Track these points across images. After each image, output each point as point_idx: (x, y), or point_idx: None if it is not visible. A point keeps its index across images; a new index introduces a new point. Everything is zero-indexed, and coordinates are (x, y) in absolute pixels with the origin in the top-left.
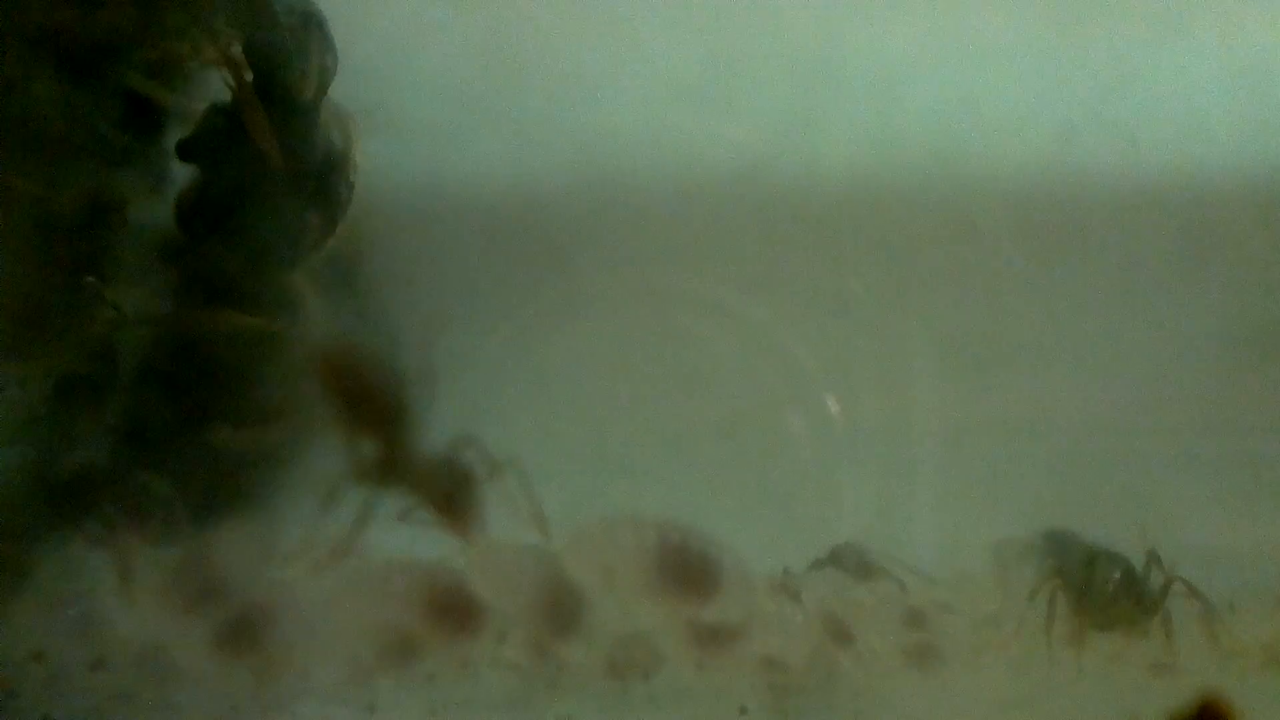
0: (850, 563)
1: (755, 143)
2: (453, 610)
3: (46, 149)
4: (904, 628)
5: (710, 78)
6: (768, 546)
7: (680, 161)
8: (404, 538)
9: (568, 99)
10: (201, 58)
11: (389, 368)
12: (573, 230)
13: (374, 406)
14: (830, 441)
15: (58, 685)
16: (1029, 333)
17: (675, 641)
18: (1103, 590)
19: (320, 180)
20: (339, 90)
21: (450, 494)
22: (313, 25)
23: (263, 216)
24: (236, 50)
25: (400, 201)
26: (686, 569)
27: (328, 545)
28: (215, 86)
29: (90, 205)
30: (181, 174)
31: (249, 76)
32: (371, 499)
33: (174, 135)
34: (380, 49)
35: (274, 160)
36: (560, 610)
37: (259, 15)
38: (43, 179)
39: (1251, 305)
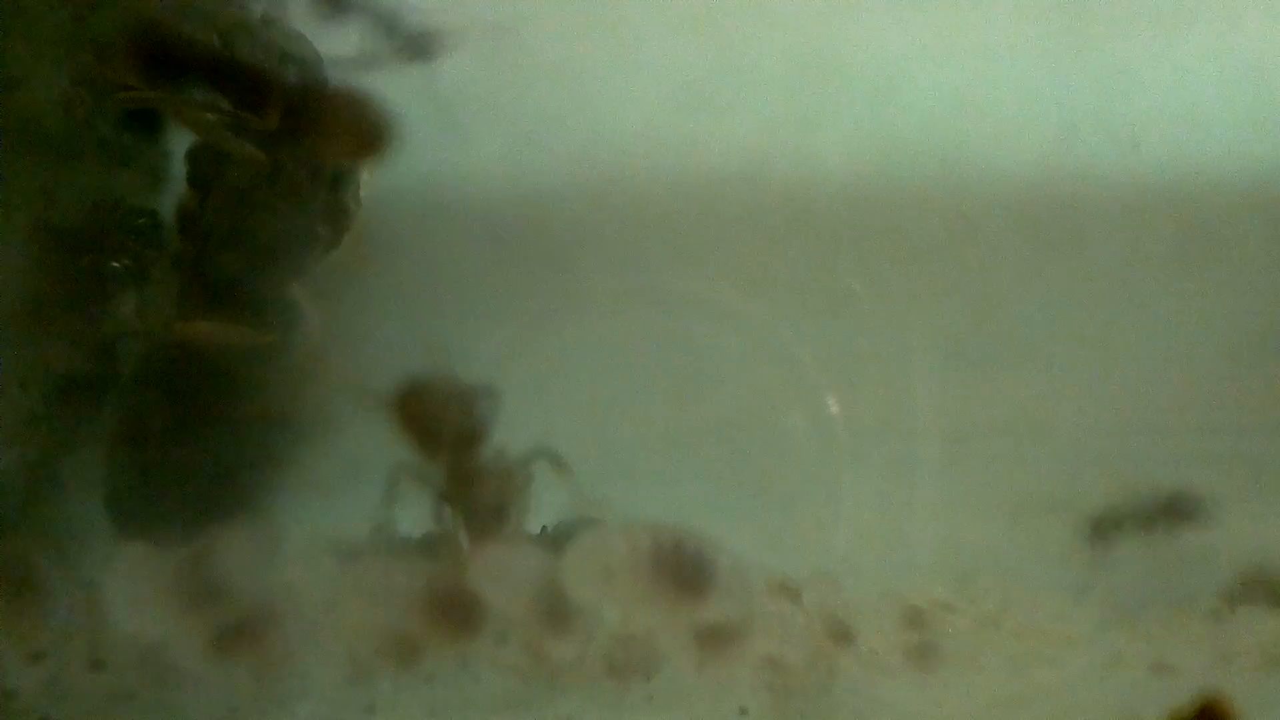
0: None
1: (755, 143)
2: (453, 610)
3: (46, 149)
4: (904, 628)
5: (710, 78)
6: (768, 547)
7: (680, 161)
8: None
9: (568, 99)
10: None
11: (461, 395)
12: (573, 230)
13: (450, 437)
14: (830, 441)
15: (58, 685)
16: (1029, 333)
17: (675, 642)
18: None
19: (331, 193)
20: None
21: (499, 504)
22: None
23: (263, 222)
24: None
25: (400, 202)
26: (682, 572)
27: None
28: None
29: (90, 205)
30: (181, 175)
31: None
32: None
33: (174, 135)
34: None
35: (256, 160)
36: (560, 611)
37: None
38: (43, 179)
39: (1251, 305)
